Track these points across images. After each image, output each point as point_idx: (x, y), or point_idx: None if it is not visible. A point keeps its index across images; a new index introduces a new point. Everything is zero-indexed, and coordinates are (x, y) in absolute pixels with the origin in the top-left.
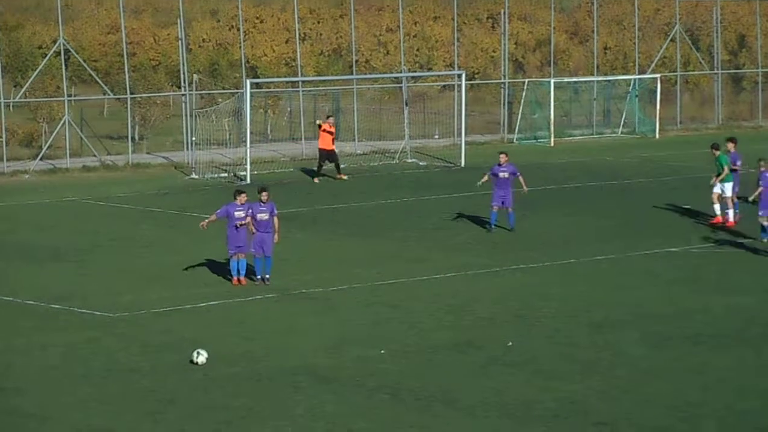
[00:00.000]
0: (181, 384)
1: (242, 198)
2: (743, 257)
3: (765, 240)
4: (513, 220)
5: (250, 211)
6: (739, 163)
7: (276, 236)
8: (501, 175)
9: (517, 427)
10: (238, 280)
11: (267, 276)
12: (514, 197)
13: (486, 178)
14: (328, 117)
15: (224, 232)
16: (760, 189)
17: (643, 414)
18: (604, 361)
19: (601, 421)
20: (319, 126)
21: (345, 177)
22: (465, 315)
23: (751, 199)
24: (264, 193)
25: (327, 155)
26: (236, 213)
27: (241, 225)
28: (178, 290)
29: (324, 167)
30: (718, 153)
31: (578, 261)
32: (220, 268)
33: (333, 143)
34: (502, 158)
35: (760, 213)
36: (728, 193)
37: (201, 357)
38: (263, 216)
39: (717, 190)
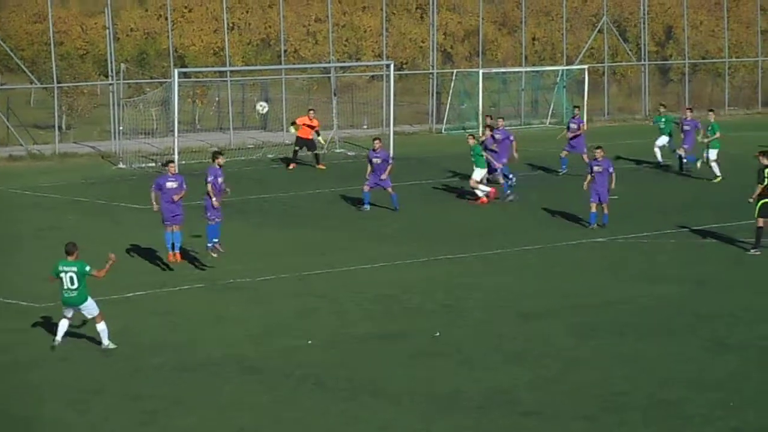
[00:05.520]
0: (107, 374)
1: (172, 168)
2: (669, 247)
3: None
4: (396, 202)
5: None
6: None
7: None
8: (374, 160)
9: (444, 417)
10: (174, 255)
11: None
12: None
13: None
14: (309, 110)
15: (155, 223)
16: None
17: (570, 403)
18: (532, 351)
19: (529, 410)
20: (293, 123)
21: (324, 167)
22: (393, 305)
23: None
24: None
25: (305, 142)
26: (168, 184)
27: (178, 198)
28: (104, 280)
29: (299, 154)
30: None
31: (505, 251)
32: (148, 258)
33: (313, 133)
34: (376, 144)
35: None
36: None
37: (261, 106)
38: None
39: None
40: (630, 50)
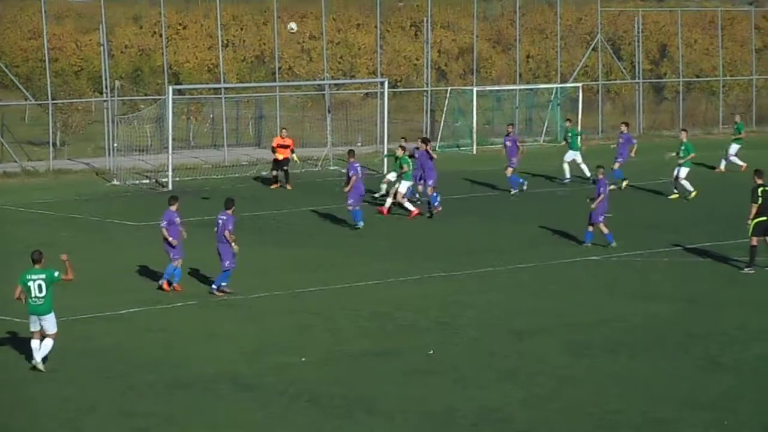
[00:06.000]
0: (101, 391)
1: (177, 206)
2: (662, 265)
3: (588, 244)
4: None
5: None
6: None
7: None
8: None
9: None
10: (173, 286)
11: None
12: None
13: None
14: (281, 130)
15: (155, 239)
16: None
17: (564, 422)
18: (525, 369)
19: (522, 429)
20: (273, 150)
21: (290, 187)
22: (387, 322)
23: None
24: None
25: (278, 163)
26: (177, 219)
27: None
28: (99, 297)
29: (276, 174)
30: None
31: (499, 269)
32: (142, 275)
33: (290, 153)
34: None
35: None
36: None
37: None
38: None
39: None
40: (624, 68)
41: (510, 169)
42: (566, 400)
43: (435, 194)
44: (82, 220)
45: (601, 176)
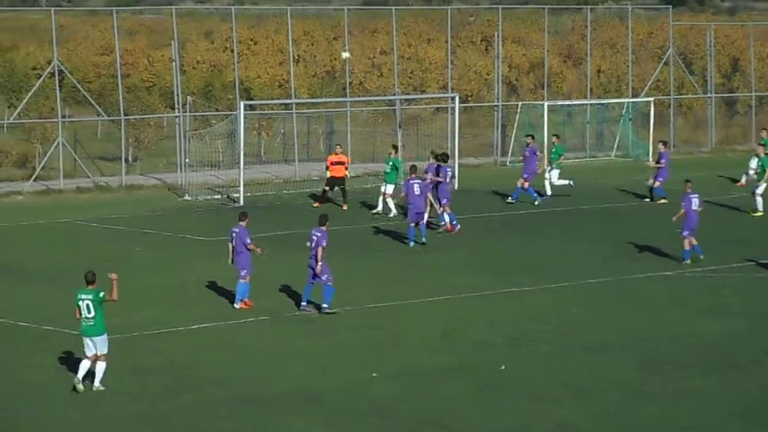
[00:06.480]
0: (173, 407)
1: (247, 221)
2: (735, 281)
3: (687, 261)
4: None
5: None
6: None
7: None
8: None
9: None
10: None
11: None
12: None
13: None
14: (336, 146)
15: (221, 253)
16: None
17: None
18: (598, 384)
19: None
20: (326, 167)
21: (346, 207)
22: (458, 338)
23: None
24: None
25: (336, 182)
26: (247, 237)
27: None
28: (170, 312)
29: (329, 193)
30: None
31: (571, 284)
32: (214, 290)
33: (345, 170)
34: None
35: (683, 233)
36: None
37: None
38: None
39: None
40: (696, 82)
41: (523, 181)
42: (639, 416)
43: (445, 214)
44: (154, 235)
45: (689, 190)
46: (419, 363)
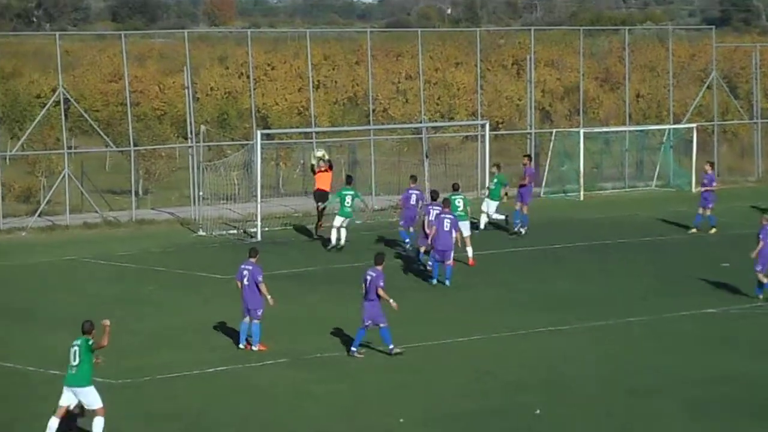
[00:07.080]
0: None
1: (257, 257)
2: None
3: (761, 296)
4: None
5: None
6: None
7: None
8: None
9: None
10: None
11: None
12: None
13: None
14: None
15: (236, 292)
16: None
17: None
18: (641, 429)
19: None
20: (313, 171)
21: (323, 227)
22: (490, 380)
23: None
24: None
25: (322, 195)
26: (259, 275)
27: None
28: (184, 354)
29: (320, 207)
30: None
31: (609, 323)
32: (229, 332)
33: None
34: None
35: (757, 268)
36: None
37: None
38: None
39: None
40: (741, 107)
41: (520, 204)
42: None
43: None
44: (167, 273)
45: (765, 222)
46: (449, 407)
